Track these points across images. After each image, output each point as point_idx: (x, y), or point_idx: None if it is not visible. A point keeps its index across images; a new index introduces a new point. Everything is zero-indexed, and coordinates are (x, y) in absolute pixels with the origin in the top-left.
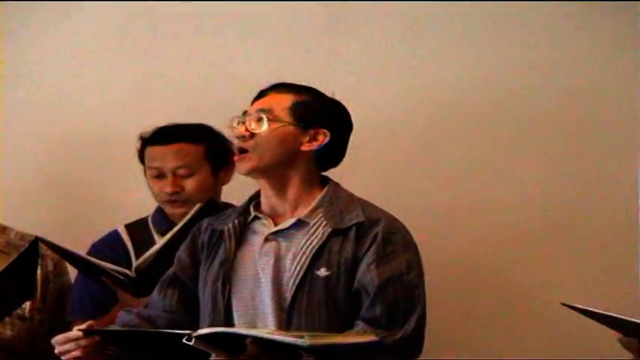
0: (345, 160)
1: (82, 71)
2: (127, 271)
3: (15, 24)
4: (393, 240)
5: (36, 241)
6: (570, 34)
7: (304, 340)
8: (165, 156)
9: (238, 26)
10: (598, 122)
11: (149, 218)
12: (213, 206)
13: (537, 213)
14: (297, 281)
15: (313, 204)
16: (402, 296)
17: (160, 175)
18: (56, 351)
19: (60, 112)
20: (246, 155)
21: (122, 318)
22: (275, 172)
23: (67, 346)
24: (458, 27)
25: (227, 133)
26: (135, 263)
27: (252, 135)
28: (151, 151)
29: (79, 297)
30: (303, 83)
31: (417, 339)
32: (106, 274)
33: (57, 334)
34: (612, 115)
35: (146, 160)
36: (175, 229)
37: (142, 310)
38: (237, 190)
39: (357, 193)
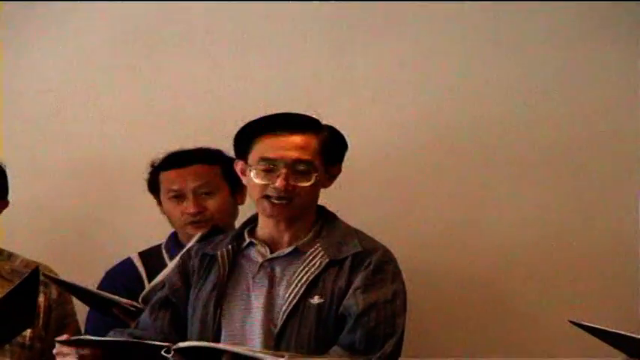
0: (345, 179)
1: (87, 97)
2: (134, 303)
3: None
4: (385, 269)
5: (36, 269)
6: (572, 56)
7: (284, 359)
8: (185, 178)
9: (246, 46)
10: (598, 141)
11: (162, 245)
12: (217, 232)
13: (537, 232)
14: (289, 309)
15: (310, 234)
16: (384, 323)
17: (180, 197)
18: (55, 351)
19: (68, 139)
20: (288, 203)
21: (112, 336)
22: (300, 213)
23: (65, 350)
24: (462, 49)
25: (254, 178)
26: (142, 294)
27: (294, 187)
28: (168, 175)
29: (94, 326)
30: (309, 105)
31: None
32: (116, 306)
33: None
34: (612, 135)
35: (163, 186)
36: (179, 257)
37: (134, 330)
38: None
39: (357, 213)
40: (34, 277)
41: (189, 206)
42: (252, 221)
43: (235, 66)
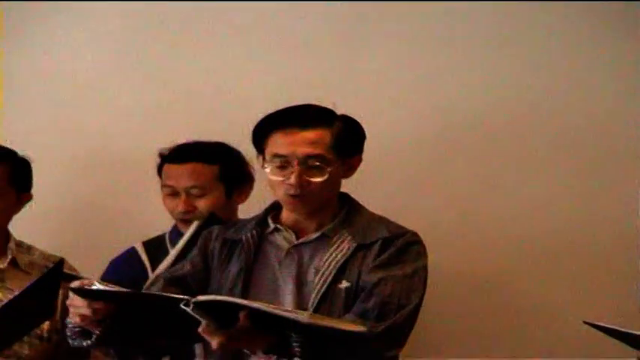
0: (353, 174)
1: (97, 89)
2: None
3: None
4: (409, 249)
5: (61, 261)
6: (580, 55)
7: (304, 316)
8: (180, 175)
9: (254, 40)
10: (605, 138)
11: (166, 235)
12: (214, 221)
13: (543, 229)
14: (319, 294)
15: (336, 220)
16: (398, 294)
17: (174, 194)
18: (68, 302)
19: (77, 129)
20: (304, 200)
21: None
22: (320, 204)
23: (78, 302)
24: (471, 45)
25: (270, 175)
26: (145, 285)
27: (308, 182)
28: (168, 169)
29: None
30: (317, 99)
31: (402, 329)
32: None
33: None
34: (619, 131)
35: (162, 178)
36: (177, 247)
37: (164, 273)
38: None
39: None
40: (57, 269)
41: (179, 204)
42: (276, 207)
43: (246, 60)
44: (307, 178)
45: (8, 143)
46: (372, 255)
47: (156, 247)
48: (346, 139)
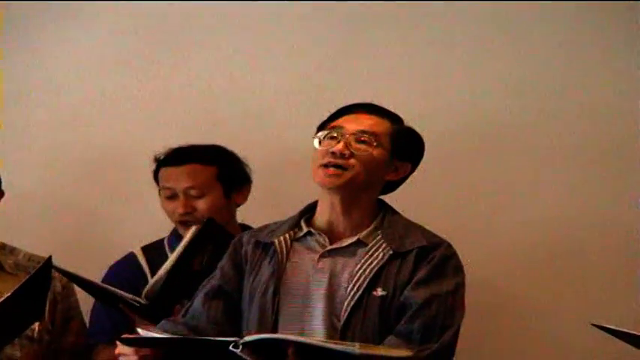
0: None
1: (95, 91)
2: (138, 299)
3: (26, 41)
4: (448, 264)
5: (49, 261)
6: (591, 64)
7: (355, 348)
8: (178, 177)
9: (257, 39)
10: (613, 143)
11: (165, 240)
12: (213, 226)
13: (553, 233)
14: (353, 301)
15: (372, 226)
16: (443, 314)
17: (173, 196)
18: (117, 351)
19: (73, 131)
20: (343, 172)
21: (165, 327)
22: (355, 192)
23: (126, 350)
24: (480, 48)
25: (317, 145)
26: (144, 291)
27: (351, 154)
28: (165, 172)
29: (98, 319)
30: (320, 103)
31: (447, 351)
32: (123, 301)
33: (63, 356)
34: (626, 137)
35: (160, 181)
36: (176, 252)
37: (188, 320)
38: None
39: None
40: (46, 268)
41: (178, 206)
42: (309, 210)
43: (249, 62)
44: (355, 146)
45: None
46: (409, 265)
47: (155, 252)
48: (403, 139)
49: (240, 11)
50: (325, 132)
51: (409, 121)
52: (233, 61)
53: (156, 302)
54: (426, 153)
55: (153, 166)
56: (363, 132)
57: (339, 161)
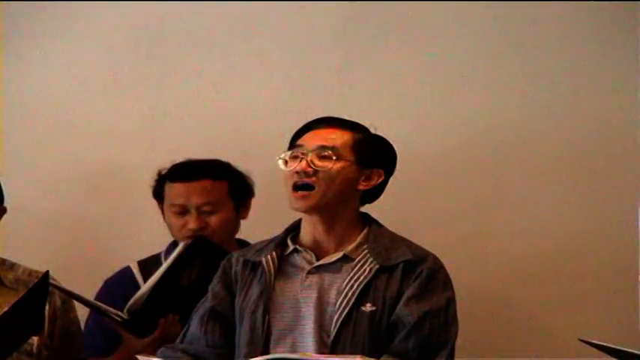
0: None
1: (93, 104)
2: (120, 313)
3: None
4: (437, 278)
5: (46, 275)
6: (586, 74)
7: None
8: (190, 193)
9: (254, 54)
10: (613, 150)
11: (162, 255)
12: (203, 243)
13: (552, 243)
14: (342, 316)
15: (358, 240)
16: (437, 331)
17: (183, 212)
18: None
19: (73, 147)
20: (310, 193)
21: (166, 354)
22: (331, 209)
23: None
24: (475, 62)
25: (281, 165)
26: (127, 305)
27: (315, 172)
28: (174, 187)
29: (90, 334)
30: (324, 110)
31: None
32: (106, 315)
33: None
34: (628, 144)
35: (167, 197)
36: (163, 268)
37: (187, 346)
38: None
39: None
40: (43, 282)
41: (190, 222)
42: (295, 228)
43: (246, 71)
44: (316, 163)
45: (6, 163)
46: (397, 279)
47: (151, 266)
48: (366, 146)
49: (234, 27)
50: (288, 152)
51: (403, 134)
52: (228, 77)
53: (139, 317)
54: (422, 165)
55: (153, 182)
56: (323, 147)
57: (306, 179)
